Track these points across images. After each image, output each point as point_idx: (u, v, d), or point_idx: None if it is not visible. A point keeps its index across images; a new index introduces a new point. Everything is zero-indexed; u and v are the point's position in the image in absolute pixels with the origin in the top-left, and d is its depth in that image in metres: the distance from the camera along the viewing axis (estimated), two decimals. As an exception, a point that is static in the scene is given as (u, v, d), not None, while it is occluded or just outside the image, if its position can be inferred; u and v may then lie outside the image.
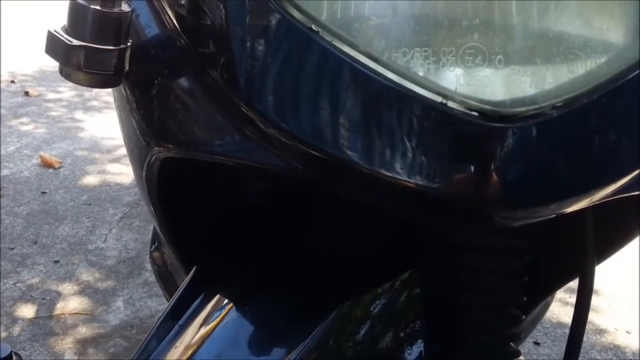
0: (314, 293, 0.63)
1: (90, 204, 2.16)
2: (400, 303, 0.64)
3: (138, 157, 0.59)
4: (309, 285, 0.64)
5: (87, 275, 1.82)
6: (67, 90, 3.17)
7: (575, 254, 0.64)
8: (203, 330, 0.60)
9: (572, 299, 1.78)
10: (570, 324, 0.64)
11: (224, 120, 0.48)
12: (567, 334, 0.63)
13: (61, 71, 0.49)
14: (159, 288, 1.79)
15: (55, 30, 0.47)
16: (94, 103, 3.05)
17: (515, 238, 0.54)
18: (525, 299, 0.57)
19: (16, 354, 1.31)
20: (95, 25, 0.47)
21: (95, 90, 3.16)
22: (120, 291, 1.76)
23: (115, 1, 0.47)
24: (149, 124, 0.53)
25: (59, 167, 2.38)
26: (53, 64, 2.81)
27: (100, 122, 2.83)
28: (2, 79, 3.25)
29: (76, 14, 0.47)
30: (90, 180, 2.33)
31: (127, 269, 1.86)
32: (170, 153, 0.53)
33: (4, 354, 1.26)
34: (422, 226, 0.57)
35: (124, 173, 2.39)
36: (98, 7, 0.47)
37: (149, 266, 1.87)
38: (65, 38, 0.47)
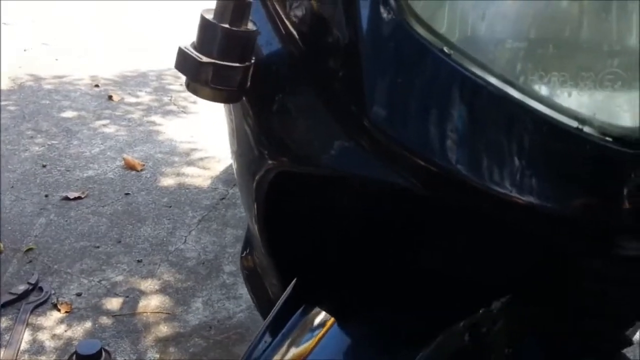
0: (415, 313, 0.62)
1: (170, 206, 2.24)
2: (500, 328, 0.63)
3: (249, 168, 0.61)
4: (409, 305, 0.64)
5: (167, 276, 1.88)
6: (146, 95, 3.29)
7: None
8: (306, 341, 0.61)
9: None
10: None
11: (342, 136, 0.49)
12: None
13: (188, 86, 0.51)
14: (236, 291, 1.83)
15: (185, 47, 0.50)
16: (172, 107, 3.15)
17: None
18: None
19: (105, 350, 1.36)
20: (223, 43, 0.49)
21: (174, 96, 3.27)
22: (200, 292, 1.81)
23: (242, 20, 0.49)
24: (267, 137, 0.54)
25: (141, 170, 2.47)
26: (133, 69, 2.90)
27: (178, 126, 2.92)
28: (85, 82, 3.40)
29: (206, 31, 0.49)
30: (170, 183, 2.41)
31: (205, 270, 1.91)
32: (285, 167, 0.54)
33: (94, 350, 1.32)
34: (544, 251, 0.56)
35: (201, 177, 2.46)
36: (227, 26, 0.48)
37: (226, 269, 1.92)
38: (195, 55, 0.49)
